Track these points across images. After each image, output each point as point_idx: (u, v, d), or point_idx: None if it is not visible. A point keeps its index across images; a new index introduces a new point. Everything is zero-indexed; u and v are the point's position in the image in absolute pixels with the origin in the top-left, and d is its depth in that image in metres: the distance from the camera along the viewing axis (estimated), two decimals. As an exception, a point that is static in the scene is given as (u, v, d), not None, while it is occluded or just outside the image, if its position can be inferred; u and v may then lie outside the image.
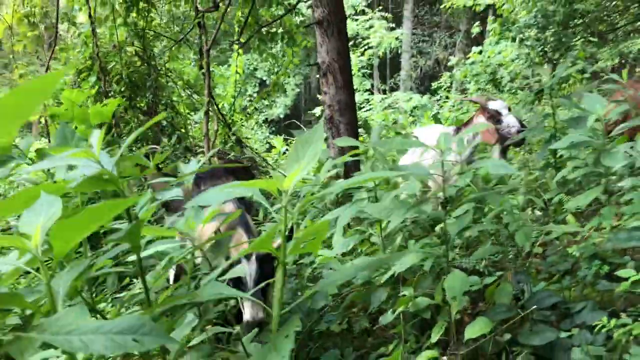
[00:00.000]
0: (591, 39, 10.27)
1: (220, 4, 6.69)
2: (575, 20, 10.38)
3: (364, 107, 15.81)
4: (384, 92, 19.57)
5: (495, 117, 4.30)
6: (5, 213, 1.18)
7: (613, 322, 2.09)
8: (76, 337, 0.93)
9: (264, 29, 8.00)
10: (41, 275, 1.11)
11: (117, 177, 1.37)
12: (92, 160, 1.43)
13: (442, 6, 15.75)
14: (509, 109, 4.38)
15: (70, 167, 1.97)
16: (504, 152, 4.28)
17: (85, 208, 1.02)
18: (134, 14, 7.96)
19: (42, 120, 8.76)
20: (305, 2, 10.22)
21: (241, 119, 9.99)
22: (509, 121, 4.25)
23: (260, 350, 1.14)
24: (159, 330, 0.96)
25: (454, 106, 12.43)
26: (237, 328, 2.06)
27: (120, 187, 1.41)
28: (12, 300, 1.06)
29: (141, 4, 7.84)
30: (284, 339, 1.09)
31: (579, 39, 10.13)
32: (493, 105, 4.35)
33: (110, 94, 7.76)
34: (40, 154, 2.50)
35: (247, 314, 2.25)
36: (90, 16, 6.84)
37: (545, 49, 10.38)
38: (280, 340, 1.09)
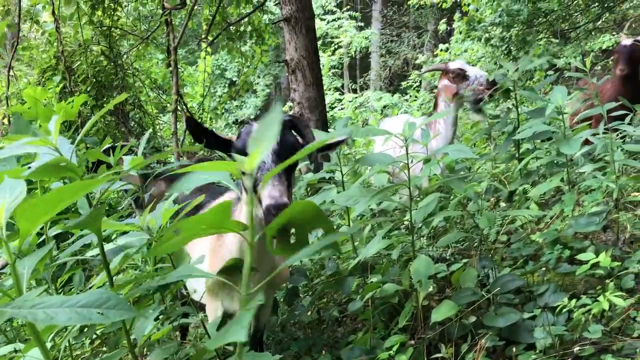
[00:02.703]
0: (553, 39, 10.51)
1: (187, 1, 6.65)
2: (540, 19, 10.61)
3: (335, 106, 15.88)
4: (355, 91, 19.68)
5: (460, 75, 4.16)
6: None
7: (573, 302, 2.16)
8: (40, 310, 0.93)
9: (232, 27, 7.98)
10: (6, 257, 1.11)
11: (75, 164, 1.37)
12: (50, 148, 1.42)
13: (409, 3, 15.89)
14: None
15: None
16: (478, 106, 4.11)
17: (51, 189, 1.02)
18: (99, 13, 7.86)
19: (5, 121, 8.57)
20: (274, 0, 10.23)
21: (211, 119, 9.93)
22: (476, 73, 4.14)
23: (224, 327, 1.14)
24: (124, 304, 0.97)
25: (422, 104, 12.57)
26: (201, 315, 2.05)
27: (80, 175, 1.40)
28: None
29: (107, 2, 7.75)
30: (245, 312, 1.10)
31: (542, 38, 10.36)
32: (454, 63, 4.24)
33: (76, 94, 7.64)
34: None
35: (266, 198, 1.74)
36: (54, 14, 6.73)
37: (510, 47, 10.59)
38: (242, 313, 1.10)
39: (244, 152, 1.81)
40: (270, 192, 1.74)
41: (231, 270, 1.99)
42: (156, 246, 1.15)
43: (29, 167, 1.38)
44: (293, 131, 2.02)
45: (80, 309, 0.95)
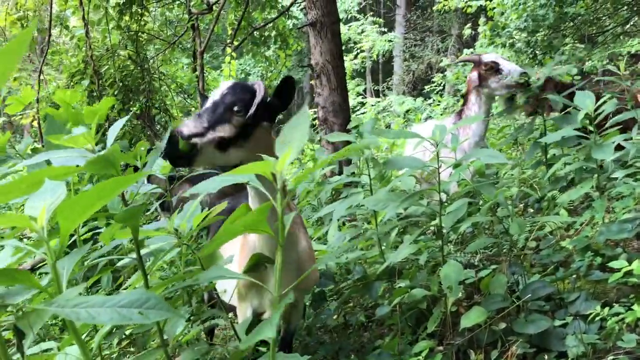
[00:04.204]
0: (578, 44, 10.36)
1: (214, 7, 6.72)
2: (566, 23, 10.46)
3: (358, 110, 15.86)
4: (377, 95, 19.64)
5: (494, 68, 4.07)
6: (8, 197, 1.19)
7: (606, 310, 2.13)
8: (83, 310, 0.95)
9: (256, 32, 8.03)
10: (47, 256, 1.13)
11: (116, 160, 1.39)
12: (88, 150, 1.44)
13: (434, 8, 15.85)
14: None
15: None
16: (510, 100, 4.05)
17: (92, 186, 1.04)
18: (126, 18, 7.97)
19: (35, 123, 8.74)
20: (298, 5, 10.28)
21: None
22: (510, 67, 4.03)
23: (256, 328, 1.15)
24: (164, 304, 0.98)
25: (446, 109, 12.49)
26: (230, 315, 2.06)
27: (119, 171, 1.43)
28: (20, 278, 1.08)
29: (134, 8, 7.85)
30: (275, 311, 1.11)
31: (568, 42, 10.21)
32: (488, 56, 4.15)
33: (104, 98, 7.74)
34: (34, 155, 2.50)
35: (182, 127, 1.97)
36: (84, 19, 6.85)
37: (536, 51, 10.46)
38: (273, 313, 1.11)
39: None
40: (185, 122, 1.98)
41: (256, 268, 2.01)
42: (203, 248, 1.16)
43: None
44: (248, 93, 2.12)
45: (121, 308, 0.97)
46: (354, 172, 3.46)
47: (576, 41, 10.48)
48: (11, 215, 1.11)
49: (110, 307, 0.96)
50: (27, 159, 2.56)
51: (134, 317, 0.96)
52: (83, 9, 6.85)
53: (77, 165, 1.44)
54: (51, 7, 6.93)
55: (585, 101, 2.97)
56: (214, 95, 2.08)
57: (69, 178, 2.72)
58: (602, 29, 10.81)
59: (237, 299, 2.30)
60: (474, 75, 4.15)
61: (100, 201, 1.10)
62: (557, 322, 2.21)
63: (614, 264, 2.31)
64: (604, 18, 10.82)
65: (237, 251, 2.22)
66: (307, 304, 2.91)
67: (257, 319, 2.23)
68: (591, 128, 2.90)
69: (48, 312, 0.98)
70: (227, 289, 2.38)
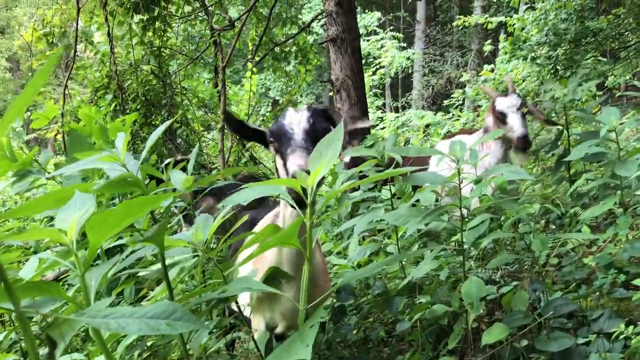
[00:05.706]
0: (601, 58, 10.28)
1: (236, 23, 6.81)
2: (587, 38, 10.40)
3: (377, 125, 15.88)
4: (397, 110, 19.66)
5: (499, 119, 4.07)
6: (36, 211, 1.23)
7: (630, 329, 2.10)
8: (113, 320, 0.97)
9: (277, 48, 8.12)
10: (76, 268, 1.16)
11: (140, 179, 1.42)
12: (118, 164, 1.48)
13: (454, 24, 15.88)
14: (524, 104, 4.05)
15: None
16: (524, 149, 3.99)
17: (121, 203, 1.07)
18: (150, 33, 8.11)
19: (59, 137, 8.90)
20: (318, 21, 10.37)
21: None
22: (513, 124, 3.96)
23: (286, 342, 1.17)
24: (190, 316, 1.00)
25: (466, 124, 12.45)
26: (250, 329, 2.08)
27: (144, 189, 1.46)
28: (49, 289, 1.11)
29: (157, 24, 7.99)
30: (308, 329, 1.12)
31: (590, 57, 10.14)
32: (501, 103, 4.07)
33: (126, 112, 7.88)
34: (58, 168, 2.56)
35: (292, 165, 1.87)
36: (108, 34, 7.00)
37: (557, 66, 10.40)
38: (305, 330, 1.13)
39: (277, 135, 2.06)
40: (295, 160, 1.90)
41: (270, 281, 2.02)
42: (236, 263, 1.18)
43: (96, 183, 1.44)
44: (327, 120, 2.14)
45: (149, 320, 0.99)
46: (374, 187, 3.47)
47: (598, 55, 10.39)
48: (43, 228, 1.14)
49: (139, 318, 0.99)
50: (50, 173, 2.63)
51: (162, 328, 0.98)
52: (108, 25, 6.99)
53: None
54: (77, 23, 7.09)
55: (609, 117, 2.95)
56: (298, 123, 2.05)
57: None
58: (625, 44, 10.72)
59: (252, 313, 2.31)
60: (490, 120, 4.24)
61: (129, 218, 1.13)
62: (580, 340, 2.18)
63: (638, 282, 2.28)
64: (626, 33, 10.73)
65: (250, 265, 2.23)
66: (327, 318, 2.91)
67: (271, 332, 2.25)
68: (615, 144, 2.88)
69: (80, 322, 1.00)
70: (246, 304, 2.40)
